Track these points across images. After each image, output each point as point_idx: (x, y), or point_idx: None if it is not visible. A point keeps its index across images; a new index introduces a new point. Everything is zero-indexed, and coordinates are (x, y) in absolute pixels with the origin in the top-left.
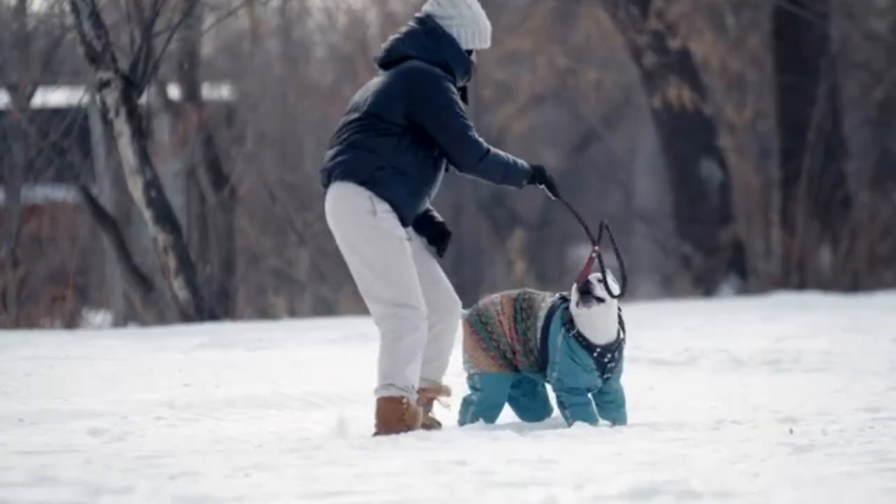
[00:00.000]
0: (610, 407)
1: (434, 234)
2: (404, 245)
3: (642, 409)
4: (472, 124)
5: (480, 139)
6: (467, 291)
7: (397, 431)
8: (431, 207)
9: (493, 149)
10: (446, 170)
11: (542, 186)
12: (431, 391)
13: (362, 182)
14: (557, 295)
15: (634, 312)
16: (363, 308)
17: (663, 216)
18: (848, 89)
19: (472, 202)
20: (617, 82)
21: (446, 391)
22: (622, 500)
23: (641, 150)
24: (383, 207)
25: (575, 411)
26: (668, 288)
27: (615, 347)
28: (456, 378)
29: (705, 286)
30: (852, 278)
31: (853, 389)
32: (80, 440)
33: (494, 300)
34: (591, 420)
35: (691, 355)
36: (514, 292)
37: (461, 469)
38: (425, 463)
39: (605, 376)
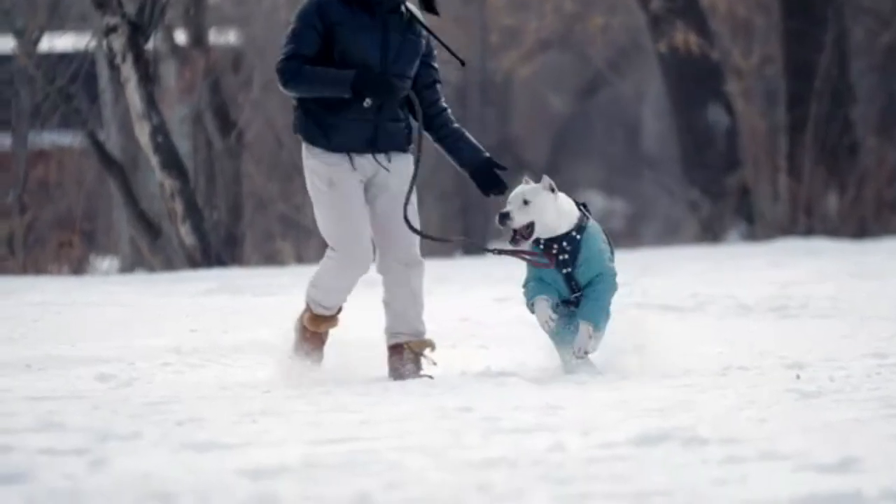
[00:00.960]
0: (584, 302)
1: (474, 171)
2: (328, 195)
3: (649, 354)
4: (291, 51)
5: (289, 64)
6: (474, 238)
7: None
8: (472, 140)
9: (303, 71)
10: None
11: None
12: (414, 344)
13: (296, 132)
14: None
15: (641, 258)
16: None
17: (670, 161)
18: (855, 35)
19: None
20: (624, 27)
21: (429, 344)
22: (629, 447)
23: (648, 95)
24: (308, 154)
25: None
26: (675, 233)
27: (562, 239)
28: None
29: (712, 232)
30: (859, 224)
31: (860, 335)
32: (87, 386)
33: None
34: (528, 299)
35: (698, 301)
36: None
37: (467, 415)
38: (431, 409)
39: (564, 270)
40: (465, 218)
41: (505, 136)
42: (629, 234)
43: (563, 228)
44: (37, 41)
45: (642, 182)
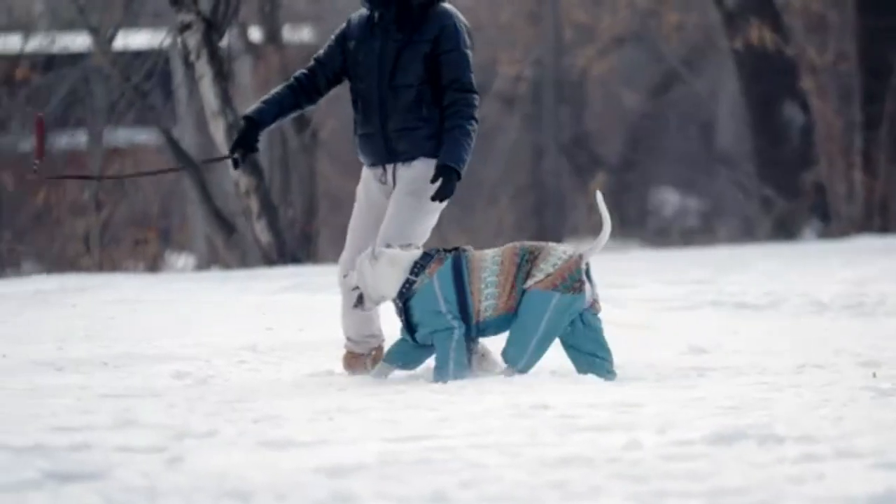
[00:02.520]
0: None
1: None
2: (357, 206)
3: (724, 353)
4: (314, 56)
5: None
6: (549, 235)
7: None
8: (449, 143)
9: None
10: (364, 99)
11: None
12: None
13: None
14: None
15: (716, 256)
16: None
17: (745, 159)
18: None
19: (554, 145)
20: (698, 23)
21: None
22: (705, 445)
23: (723, 92)
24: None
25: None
26: (750, 231)
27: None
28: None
29: (787, 229)
30: None
31: None
32: (163, 384)
33: None
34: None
35: (773, 299)
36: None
37: (544, 413)
38: (507, 406)
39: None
40: (540, 216)
41: (579, 133)
42: (704, 232)
43: (389, 294)
44: (112, 39)
45: (717, 179)
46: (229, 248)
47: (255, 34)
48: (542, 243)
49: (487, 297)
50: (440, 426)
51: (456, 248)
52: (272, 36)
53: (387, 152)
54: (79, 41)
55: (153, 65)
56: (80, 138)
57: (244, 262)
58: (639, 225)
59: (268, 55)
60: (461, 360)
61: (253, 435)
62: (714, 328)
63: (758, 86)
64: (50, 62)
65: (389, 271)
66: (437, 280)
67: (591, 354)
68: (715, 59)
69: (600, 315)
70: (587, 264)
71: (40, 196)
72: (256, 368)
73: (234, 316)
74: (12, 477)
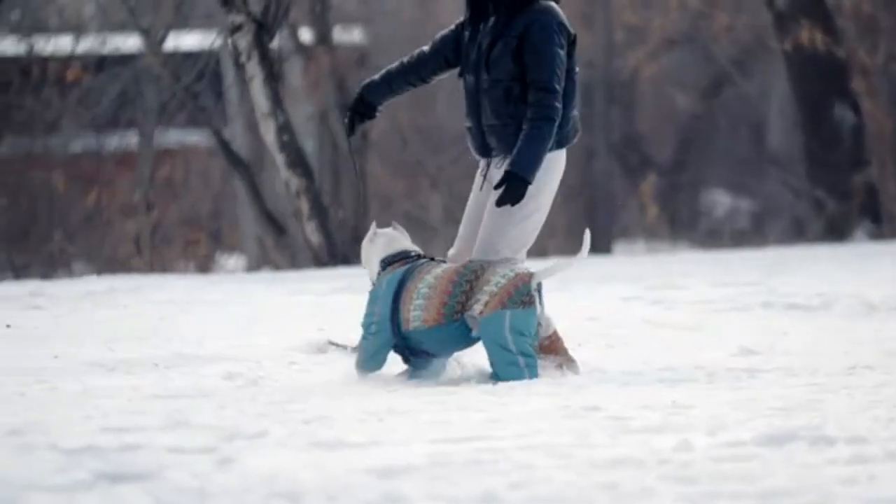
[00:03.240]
0: None
1: None
2: (470, 197)
3: (776, 354)
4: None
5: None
6: (599, 236)
7: None
8: (518, 148)
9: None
10: (468, 91)
11: None
12: None
13: None
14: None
15: (767, 257)
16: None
17: (796, 160)
18: None
19: (604, 146)
20: (749, 25)
21: None
22: (756, 446)
23: (774, 93)
24: None
25: None
26: (801, 232)
27: None
28: None
29: (838, 231)
30: None
31: None
32: (213, 384)
33: None
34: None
35: (824, 300)
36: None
37: (594, 414)
38: (558, 408)
39: None
40: (591, 218)
41: (630, 135)
42: (754, 233)
43: (371, 277)
44: (162, 40)
45: (767, 181)
46: (280, 249)
47: (306, 35)
48: (489, 263)
49: (416, 308)
50: (490, 427)
51: (432, 259)
52: (323, 37)
53: (482, 147)
54: (130, 42)
55: (204, 66)
56: (131, 139)
57: (294, 263)
58: (689, 226)
59: (318, 56)
60: (361, 357)
61: (303, 436)
62: (765, 329)
63: (808, 87)
64: (101, 63)
65: (374, 258)
66: (385, 284)
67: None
68: (765, 61)
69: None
70: (539, 284)
71: (91, 197)
72: (307, 369)
73: (285, 317)
74: (63, 478)
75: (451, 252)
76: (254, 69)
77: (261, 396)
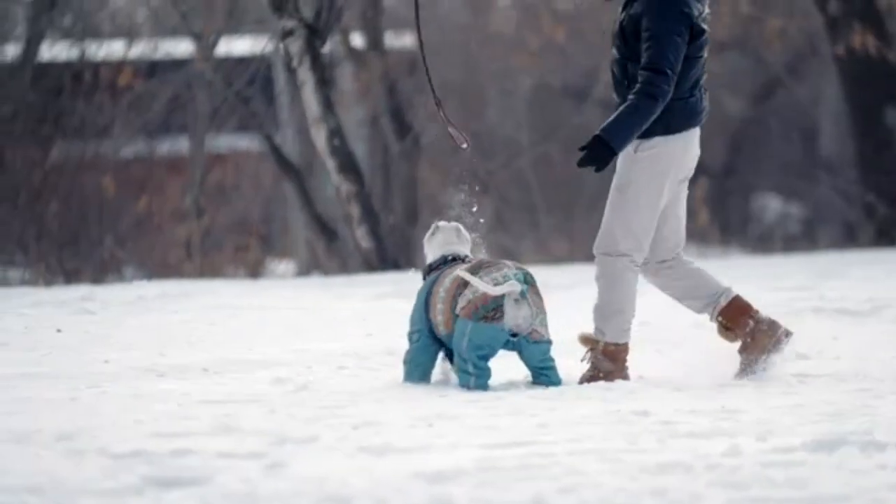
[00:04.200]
0: None
1: None
2: None
3: (825, 359)
4: None
5: None
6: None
7: None
8: (614, 115)
9: None
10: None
11: None
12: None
13: None
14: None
15: (818, 262)
16: (545, 258)
17: (847, 165)
18: None
19: None
20: (801, 29)
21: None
22: (806, 452)
23: (825, 98)
24: None
25: None
26: (852, 237)
27: None
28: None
29: (889, 236)
30: None
31: None
32: (263, 389)
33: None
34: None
35: (875, 305)
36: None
37: (644, 419)
38: (608, 413)
39: None
40: None
41: None
42: (805, 238)
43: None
44: (214, 45)
45: (819, 186)
46: (330, 254)
47: (358, 40)
48: (488, 265)
49: (439, 313)
50: (539, 432)
51: (463, 260)
52: (374, 42)
53: None
54: (181, 47)
55: (255, 71)
56: (183, 144)
57: (345, 268)
58: (740, 231)
59: (370, 61)
60: (408, 369)
61: (352, 441)
62: (815, 334)
63: (860, 92)
64: (153, 68)
65: (429, 256)
66: (419, 293)
67: (537, 368)
68: (817, 65)
69: (546, 338)
70: (522, 294)
71: (142, 202)
72: (356, 374)
73: (335, 322)
74: (114, 483)
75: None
76: (305, 74)
77: (310, 401)
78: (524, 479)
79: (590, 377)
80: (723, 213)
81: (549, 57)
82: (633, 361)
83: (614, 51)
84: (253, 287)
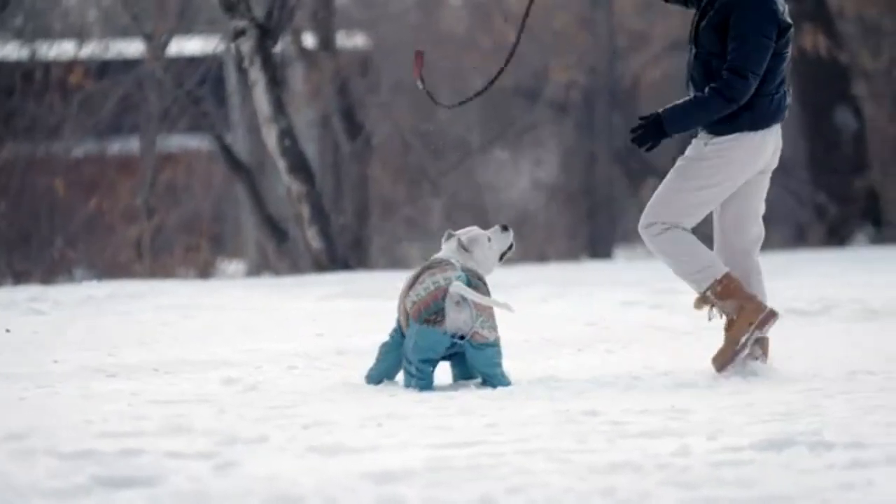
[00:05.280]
0: None
1: None
2: None
3: (776, 359)
4: None
5: None
6: (601, 241)
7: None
8: (681, 101)
9: None
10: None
11: None
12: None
13: None
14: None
15: (768, 262)
16: None
17: (798, 166)
18: None
19: (606, 151)
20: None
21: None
22: (755, 451)
23: None
24: None
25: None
26: (802, 237)
27: None
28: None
29: (839, 236)
30: None
31: None
32: (213, 389)
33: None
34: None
35: (825, 305)
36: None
37: (593, 419)
38: (556, 413)
39: None
40: (592, 223)
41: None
42: None
43: None
44: (165, 45)
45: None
46: (281, 254)
47: (309, 40)
48: (437, 263)
49: (401, 312)
50: (489, 432)
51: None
52: (326, 42)
53: None
54: (132, 47)
55: (206, 71)
56: (133, 144)
57: (295, 268)
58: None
59: (321, 61)
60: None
61: (303, 440)
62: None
63: (811, 92)
64: (104, 68)
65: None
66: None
67: (483, 372)
68: None
69: (491, 341)
70: (462, 297)
71: (93, 202)
72: (307, 374)
73: (285, 322)
74: (63, 483)
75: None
76: (256, 74)
77: (260, 401)
78: (473, 478)
79: (730, 325)
80: None
81: (500, 57)
82: (582, 361)
83: (700, 47)
84: (203, 287)
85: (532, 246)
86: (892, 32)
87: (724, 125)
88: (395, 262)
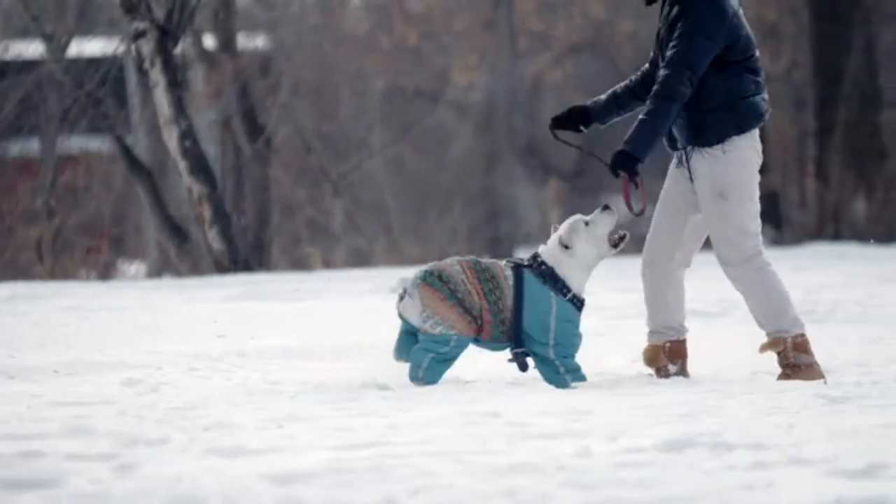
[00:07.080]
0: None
1: None
2: None
3: None
4: None
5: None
6: (503, 241)
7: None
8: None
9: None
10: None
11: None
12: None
13: None
14: (507, 261)
15: None
16: (397, 259)
17: None
18: (883, 40)
19: (507, 152)
20: (652, 33)
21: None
22: (656, 452)
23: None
24: None
25: (577, 375)
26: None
27: None
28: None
29: None
30: (887, 228)
31: (888, 340)
32: (114, 391)
33: (452, 263)
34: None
35: (725, 306)
36: (466, 259)
37: (494, 421)
38: (459, 414)
39: None
40: (494, 224)
41: (533, 141)
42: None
43: None
44: (65, 46)
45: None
46: (181, 255)
47: (210, 42)
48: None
49: None
50: (391, 434)
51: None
52: (226, 44)
53: (668, 138)
54: (32, 48)
55: (107, 72)
56: (33, 145)
57: (196, 269)
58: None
59: (221, 63)
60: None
61: (203, 442)
62: None
63: None
64: (3, 69)
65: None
66: None
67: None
68: None
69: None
70: (408, 292)
71: None
72: (207, 376)
73: (186, 323)
74: None
75: (648, 237)
76: (157, 75)
77: (161, 403)
78: (375, 480)
79: (786, 376)
80: (573, 214)
81: (401, 58)
82: (483, 364)
83: (663, 61)
84: (104, 289)
85: (433, 247)
86: (792, 35)
87: (700, 135)
88: (296, 264)
